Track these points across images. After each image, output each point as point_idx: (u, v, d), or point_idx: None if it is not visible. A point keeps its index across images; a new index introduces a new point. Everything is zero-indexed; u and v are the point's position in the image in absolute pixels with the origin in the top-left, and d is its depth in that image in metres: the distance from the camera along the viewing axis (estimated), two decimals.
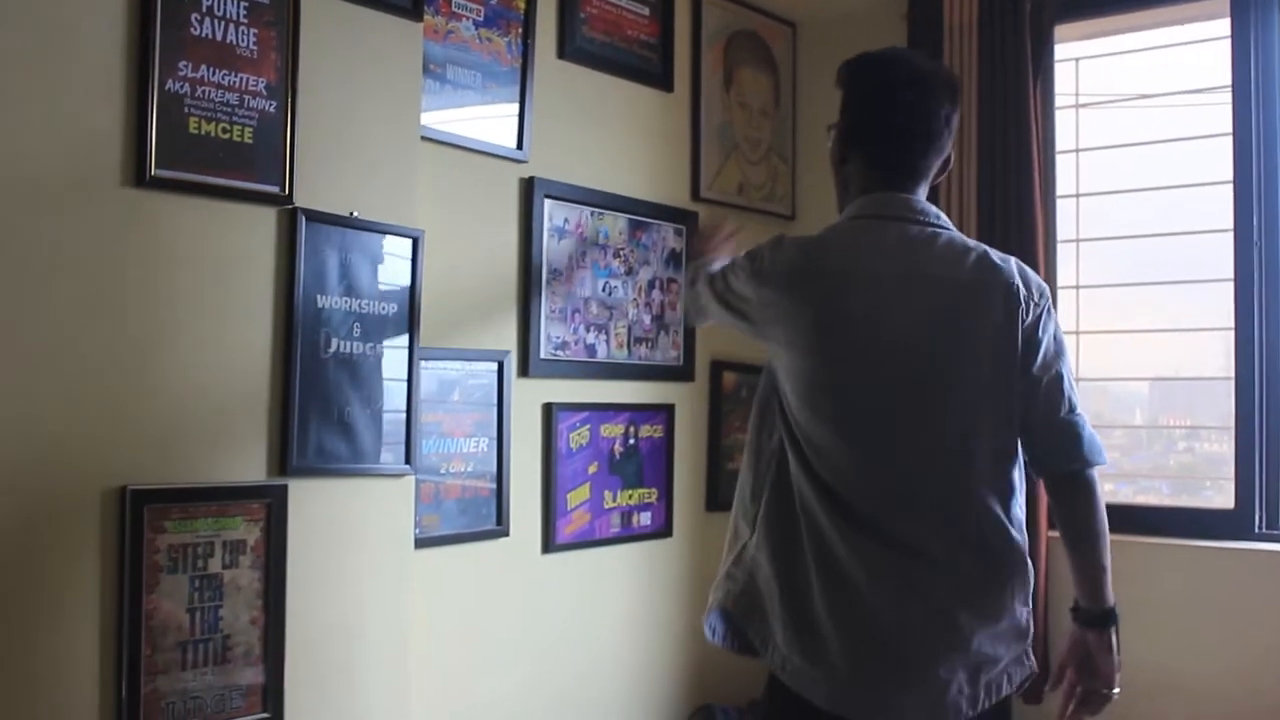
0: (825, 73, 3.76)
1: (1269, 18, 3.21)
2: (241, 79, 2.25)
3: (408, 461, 2.56)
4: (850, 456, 1.86)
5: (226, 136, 2.23)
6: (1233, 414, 3.23)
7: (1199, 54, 3.39)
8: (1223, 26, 3.26)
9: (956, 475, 1.88)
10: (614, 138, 3.29)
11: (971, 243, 1.96)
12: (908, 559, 1.85)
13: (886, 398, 1.88)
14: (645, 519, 3.33)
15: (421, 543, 2.69)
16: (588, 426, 3.18)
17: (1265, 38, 3.22)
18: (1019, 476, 1.95)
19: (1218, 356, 3.48)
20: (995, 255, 1.93)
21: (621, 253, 3.27)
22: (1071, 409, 1.94)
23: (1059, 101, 3.51)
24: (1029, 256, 3.25)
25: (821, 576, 1.86)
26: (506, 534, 2.96)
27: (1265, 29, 3.22)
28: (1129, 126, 3.51)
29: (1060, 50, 3.48)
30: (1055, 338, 1.94)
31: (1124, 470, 3.53)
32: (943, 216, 1.99)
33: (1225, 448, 3.49)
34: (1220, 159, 3.25)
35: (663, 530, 3.39)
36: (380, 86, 2.52)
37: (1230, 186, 3.22)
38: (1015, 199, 3.30)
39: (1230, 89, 3.24)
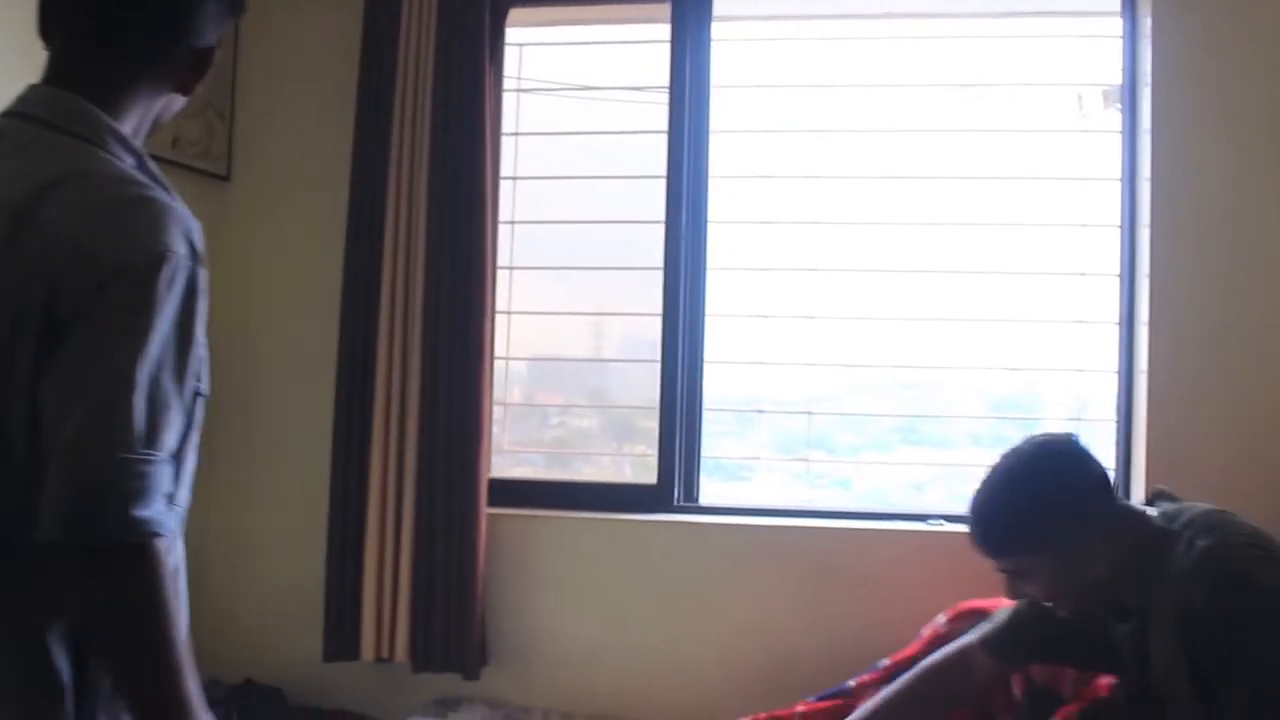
0: (268, 27, 3.59)
1: (704, 26, 3.45)
2: None
3: None
4: None
5: None
6: (657, 396, 3.45)
7: (638, 53, 3.59)
8: (663, 31, 3.45)
9: None
10: (36, 77, 2.84)
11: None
12: None
13: None
14: None
15: None
16: None
17: (699, 45, 3.45)
18: None
19: (587, 338, 3.75)
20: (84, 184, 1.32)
21: None
22: (104, 440, 1.21)
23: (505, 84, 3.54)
24: (476, 237, 3.27)
25: None
26: None
27: (700, 37, 3.45)
28: (562, 116, 3.64)
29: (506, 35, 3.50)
30: (127, 324, 1.25)
31: (502, 446, 3.63)
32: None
33: (593, 423, 3.77)
34: (655, 154, 3.46)
35: None
36: None
37: (664, 182, 3.43)
38: (466, 178, 3.28)
39: (668, 90, 3.44)
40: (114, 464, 1.22)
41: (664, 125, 3.44)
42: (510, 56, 3.51)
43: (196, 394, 1.35)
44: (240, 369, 3.55)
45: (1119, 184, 3.30)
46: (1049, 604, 2.19)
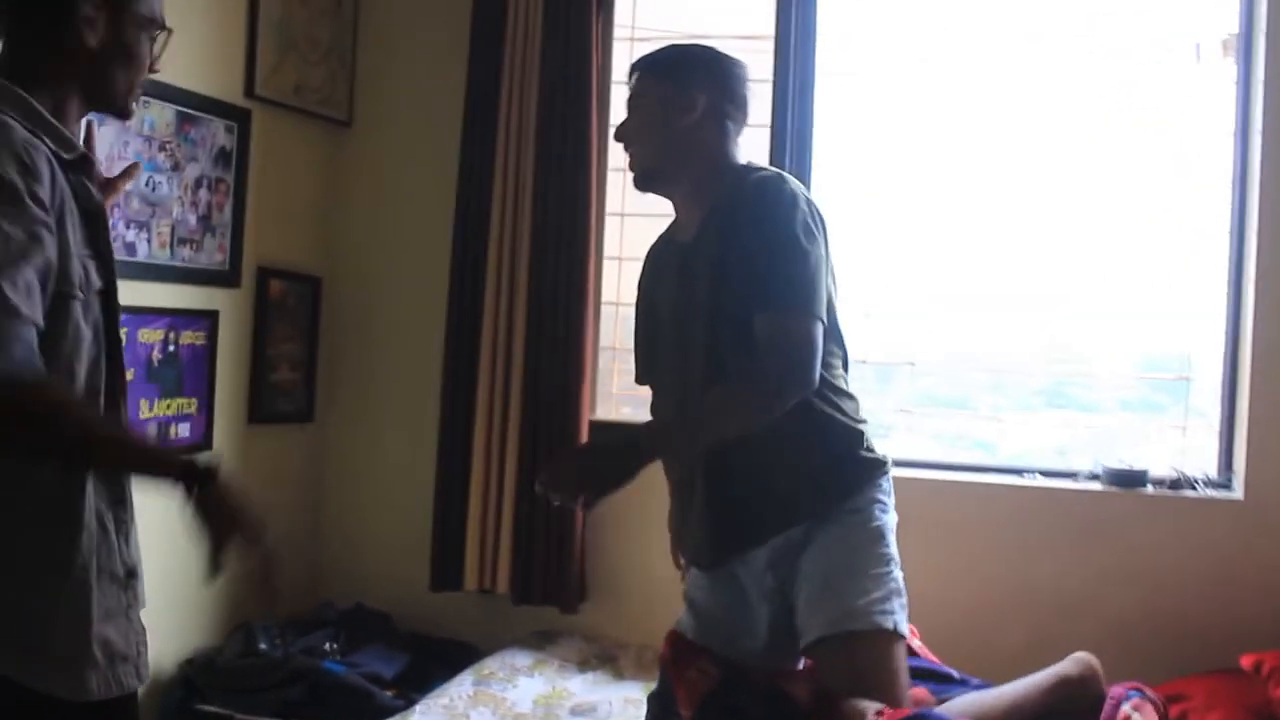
0: None
1: None
2: None
3: None
4: None
5: None
6: None
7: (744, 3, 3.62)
8: None
9: None
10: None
11: None
12: None
13: None
14: (184, 430, 3.12)
15: None
16: (124, 330, 2.91)
17: None
18: None
19: None
20: None
21: (168, 146, 3.01)
22: None
23: (616, 33, 3.60)
24: (584, 186, 3.35)
25: None
26: None
27: None
28: None
29: None
30: None
31: (611, 390, 3.66)
32: None
33: None
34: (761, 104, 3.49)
35: (201, 443, 3.18)
36: None
37: (769, 131, 3.46)
38: (574, 125, 3.37)
39: (773, 39, 3.47)
40: None
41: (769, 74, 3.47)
42: (624, 5, 3.58)
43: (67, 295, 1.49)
44: (358, 310, 3.71)
45: (1232, 137, 3.24)
46: (634, 144, 2.30)
